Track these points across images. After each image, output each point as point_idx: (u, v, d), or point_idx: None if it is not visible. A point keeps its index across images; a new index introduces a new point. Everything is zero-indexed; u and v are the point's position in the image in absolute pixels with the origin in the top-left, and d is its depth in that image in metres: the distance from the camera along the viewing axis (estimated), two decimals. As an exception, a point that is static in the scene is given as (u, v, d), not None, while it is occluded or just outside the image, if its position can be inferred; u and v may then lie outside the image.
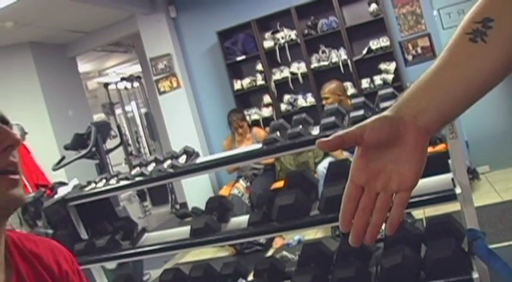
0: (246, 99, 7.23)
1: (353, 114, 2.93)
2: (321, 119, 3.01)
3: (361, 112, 2.91)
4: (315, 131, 3.03)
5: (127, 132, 11.36)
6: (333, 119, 2.93)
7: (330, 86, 5.53)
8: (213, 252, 5.86)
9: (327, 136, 2.28)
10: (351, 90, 6.57)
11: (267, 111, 7.02)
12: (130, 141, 11.29)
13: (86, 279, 1.29)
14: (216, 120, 7.31)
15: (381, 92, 3.07)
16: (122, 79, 11.02)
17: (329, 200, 2.92)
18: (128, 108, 11.89)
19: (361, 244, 0.84)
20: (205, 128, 7.59)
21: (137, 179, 3.27)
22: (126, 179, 3.35)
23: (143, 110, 11.84)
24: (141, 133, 11.94)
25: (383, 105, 2.86)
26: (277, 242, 5.51)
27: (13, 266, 1.09)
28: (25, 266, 1.12)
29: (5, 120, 1.03)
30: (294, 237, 5.40)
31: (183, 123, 7.36)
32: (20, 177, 1.03)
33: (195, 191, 7.19)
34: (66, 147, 4.74)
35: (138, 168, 3.34)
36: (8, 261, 1.09)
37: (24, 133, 0.90)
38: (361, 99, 3.15)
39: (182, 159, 3.17)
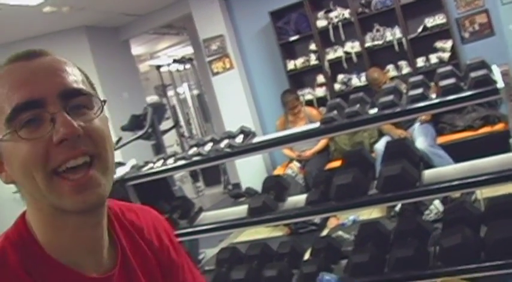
0: (299, 79, 7.20)
1: (412, 92, 2.89)
2: (379, 98, 2.98)
3: (419, 90, 2.86)
4: (373, 110, 3.00)
5: (179, 114, 11.48)
6: (391, 97, 2.89)
7: (369, 76, 5.81)
8: (267, 232, 5.89)
9: (386, 115, 2.29)
10: (405, 69, 6.47)
11: (320, 91, 6.97)
12: (182, 123, 11.42)
13: (185, 254, 1.26)
14: (270, 100, 7.31)
15: (440, 70, 3.01)
16: (174, 61, 11.12)
17: (387, 179, 2.89)
18: (179, 90, 12.00)
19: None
20: (259, 109, 7.60)
21: (194, 158, 3.30)
22: (184, 158, 3.39)
23: (195, 92, 11.95)
24: (193, 115, 12.05)
25: (442, 83, 2.81)
26: (332, 222, 5.50)
27: (115, 239, 1.07)
28: (126, 239, 1.10)
29: (73, 92, 0.93)
30: (348, 217, 5.38)
31: (237, 103, 7.39)
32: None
33: (249, 171, 7.22)
34: (124, 128, 4.82)
35: (195, 148, 3.37)
36: (110, 231, 1.07)
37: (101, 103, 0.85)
38: (419, 77, 3.10)
39: (239, 139, 3.18)
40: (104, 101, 0.98)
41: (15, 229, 0.97)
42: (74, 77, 0.95)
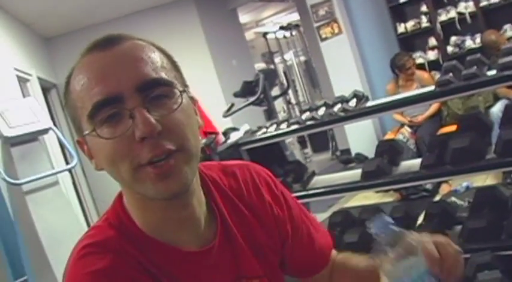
0: (410, 42, 7.05)
1: (536, 52, 2.77)
2: (498, 59, 2.88)
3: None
4: (491, 71, 2.90)
5: (284, 81, 11.54)
6: (511, 58, 2.78)
7: (486, 39, 5.53)
8: (377, 197, 5.85)
9: (506, 77, 2.14)
10: (525, 28, 6.18)
11: (432, 55, 6.81)
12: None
13: (292, 201, 1.23)
14: (379, 65, 7.18)
15: None
16: (281, 28, 11.15)
17: (507, 143, 2.81)
18: (286, 57, 12.02)
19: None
20: (368, 74, 7.49)
21: (308, 123, 3.33)
22: (297, 123, 3.43)
23: (301, 58, 11.94)
24: (299, 81, 12.07)
25: None
26: (444, 189, 5.39)
27: (215, 209, 1.08)
28: (226, 206, 1.10)
29: (151, 83, 0.91)
30: (461, 183, 5.26)
31: (346, 69, 7.31)
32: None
33: (358, 137, 7.18)
34: (236, 95, 4.91)
35: (308, 113, 3.40)
36: (209, 202, 1.07)
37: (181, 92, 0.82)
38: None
39: (352, 103, 3.18)
40: (184, 91, 0.95)
41: (114, 211, 1.02)
42: (152, 65, 0.92)
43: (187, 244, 1.02)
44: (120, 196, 1.04)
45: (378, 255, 0.92)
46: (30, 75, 5.82)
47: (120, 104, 0.89)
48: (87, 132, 0.92)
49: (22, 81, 5.58)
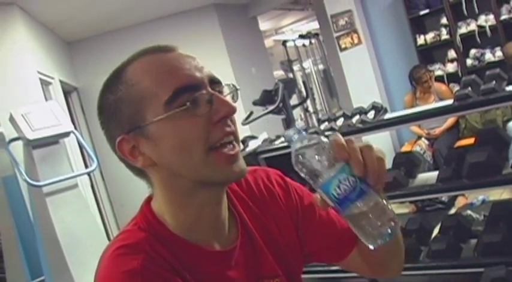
0: (429, 54, 7.04)
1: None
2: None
3: None
4: (510, 86, 2.92)
5: (303, 89, 11.53)
6: (531, 74, 2.80)
7: (507, 51, 5.51)
8: (393, 208, 5.85)
9: None
10: (545, 43, 6.14)
11: (451, 67, 6.79)
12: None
13: (303, 188, 1.26)
14: (398, 76, 7.19)
15: None
16: (300, 36, 11.17)
17: (524, 158, 2.82)
18: (304, 65, 12.01)
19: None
20: (386, 85, 7.50)
21: (326, 133, 3.36)
22: (316, 133, 3.46)
23: (320, 67, 11.93)
24: (318, 90, 12.06)
25: None
26: (460, 201, 5.39)
27: (235, 212, 1.15)
28: (245, 209, 1.17)
29: (215, 80, 1.04)
30: (478, 197, 5.25)
31: (364, 79, 7.32)
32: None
33: (375, 147, 7.19)
34: (255, 103, 4.94)
35: (326, 123, 3.43)
36: (229, 206, 1.14)
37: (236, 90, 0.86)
38: None
39: (371, 115, 3.20)
40: (237, 89, 1.08)
41: (142, 215, 1.07)
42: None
43: (214, 244, 1.08)
44: (147, 202, 1.10)
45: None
46: (52, 78, 5.89)
47: (199, 90, 0.98)
48: (157, 117, 0.97)
49: (45, 84, 5.65)
